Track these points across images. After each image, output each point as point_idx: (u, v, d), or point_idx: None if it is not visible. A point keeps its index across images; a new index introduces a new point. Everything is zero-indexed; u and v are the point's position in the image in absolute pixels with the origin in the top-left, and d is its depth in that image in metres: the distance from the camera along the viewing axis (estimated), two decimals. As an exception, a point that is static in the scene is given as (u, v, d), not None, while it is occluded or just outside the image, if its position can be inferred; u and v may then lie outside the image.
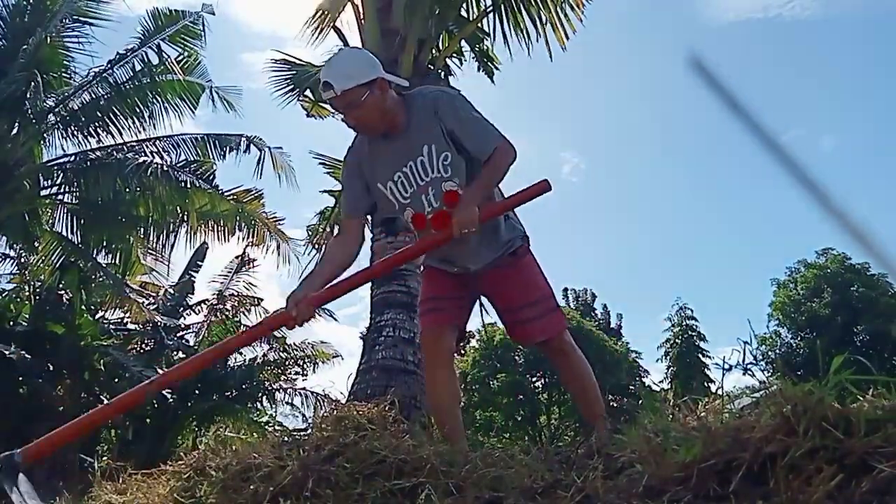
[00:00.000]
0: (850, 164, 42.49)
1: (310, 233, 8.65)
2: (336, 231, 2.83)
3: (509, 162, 2.52)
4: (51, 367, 11.24)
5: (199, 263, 14.72)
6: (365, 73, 2.42)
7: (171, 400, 11.94)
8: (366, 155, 2.57)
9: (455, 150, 2.48)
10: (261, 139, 11.02)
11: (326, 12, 7.82)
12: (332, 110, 2.53)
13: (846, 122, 45.01)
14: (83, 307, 11.36)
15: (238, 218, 11.53)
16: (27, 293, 11.97)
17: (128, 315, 12.67)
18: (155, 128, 11.18)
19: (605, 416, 2.63)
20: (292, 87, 8.12)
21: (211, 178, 11.17)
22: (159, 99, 11.01)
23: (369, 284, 6.06)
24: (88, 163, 10.68)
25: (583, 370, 2.65)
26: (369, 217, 2.75)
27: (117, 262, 11.50)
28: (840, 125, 45.35)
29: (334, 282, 2.52)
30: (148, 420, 12.57)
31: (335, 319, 14.83)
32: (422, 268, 2.80)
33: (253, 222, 11.66)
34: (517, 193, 2.59)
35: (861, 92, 45.49)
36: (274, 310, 2.57)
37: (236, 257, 15.10)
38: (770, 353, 25.88)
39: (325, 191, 8.39)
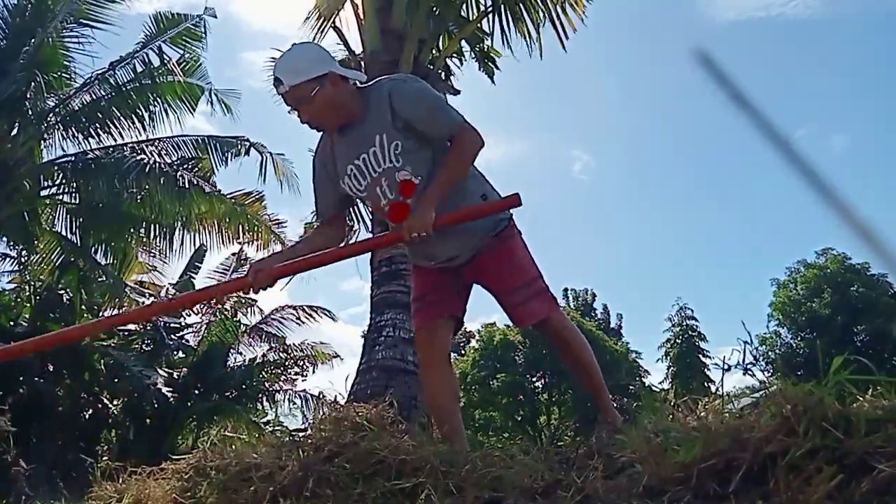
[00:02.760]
0: (861, 163, 42.50)
1: (307, 229, 8.63)
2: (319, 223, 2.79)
3: (473, 151, 2.44)
4: (51, 367, 11.24)
5: (198, 265, 14.73)
6: (314, 67, 2.37)
7: (171, 400, 11.95)
8: (329, 153, 2.54)
9: (408, 138, 2.41)
10: (263, 145, 11.04)
11: (323, 12, 7.84)
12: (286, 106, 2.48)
13: (857, 121, 44.99)
14: (83, 307, 11.36)
15: (239, 221, 11.54)
16: (27, 293, 11.98)
17: (128, 315, 12.66)
18: (155, 129, 11.21)
19: (607, 390, 2.64)
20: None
21: (209, 176, 11.17)
22: (159, 100, 11.03)
23: (369, 285, 6.07)
24: (88, 163, 10.68)
25: (579, 346, 2.60)
26: (351, 209, 2.75)
27: (115, 261, 11.51)
28: (851, 123, 45.33)
29: (294, 259, 2.51)
30: (148, 420, 12.57)
31: (332, 319, 14.84)
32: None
33: (255, 225, 11.67)
34: (484, 205, 2.48)
35: (871, 90, 45.50)
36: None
37: (233, 254, 15.11)
38: (770, 353, 25.90)
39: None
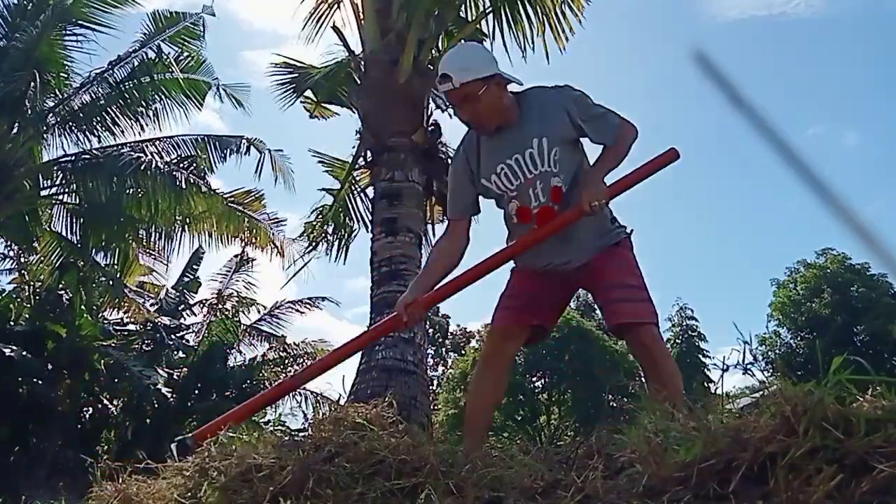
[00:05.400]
0: (873, 160, 42.49)
1: (307, 229, 8.62)
2: (441, 232, 2.78)
3: (631, 141, 2.57)
4: (51, 367, 11.23)
5: (196, 267, 14.72)
6: (485, 67, 2.44)
7: (171, 400, 11.94)
8: (474, 149, 2.57)
9: (565, 146, 2.50)
10: (261, 141, 11.05)
11: (321, 11, 7.87)
12: (447, 103, 2.54)
13: (869, 119, 44.96)
14: (83, 307, 11.35)
15: (239, 220, 11.54)
16: (27, 293, 11.97)
17: (127, 315, 12.69)
18: (160, 127, 11.24)
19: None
20: (294, 89, 8.14)
21: (203, 174, 11.17)
22: (163, 97, 11.05)
23: (367, 285, 6.07)
24: (88, 163, 10.68)
25: (668, 376, 2.40)
26: (474, 218, 2.69)
27: (116, 262, 11.52)
28: (862, 122, 45.32)
29: (441, 283, 2.54)
30: (148, 420, 12.55)
31: (336, 304, 14.83)
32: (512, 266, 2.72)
33: (254, 225, 11.67)
34: (645, 165, 2.58)
35: (881, 88, 45.48)
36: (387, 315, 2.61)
37: (235, 256, 15.12)
38: (770, 353, 25.87)
39: (323, 189, 8.37)
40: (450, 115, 7.24)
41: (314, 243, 8.48)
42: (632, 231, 2.65)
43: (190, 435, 2.41)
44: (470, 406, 2.65)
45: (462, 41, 6.81)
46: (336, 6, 7.80)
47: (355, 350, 2.63)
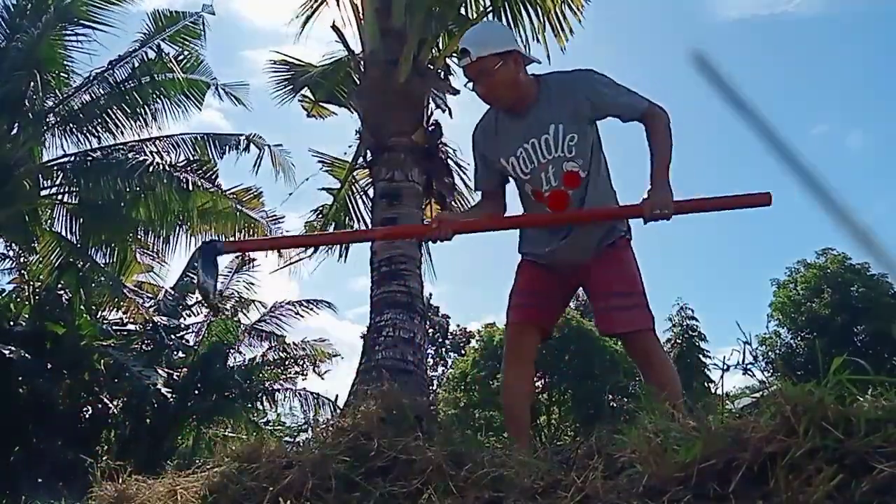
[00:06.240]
0: (878, 160, 42.43)
1: (307, 230, 8.61)
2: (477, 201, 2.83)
3: (666, 124, 2.49)
4: (50, 367, 11.22)
5: (196, 265, 14.70)
6: (501, 43, 2.47)
7: (170, 400, 11.95)
8: (492, 130, 2.60)
9: (584, 131, 2.49)
10: (260, 137, 11.06)
11: (310, 6, 7.90)
12: (465, 78, 2.53)
13: (873, 119, 44.87)
14: (82, 307, 11.35)
15: (238, 217, 11.54)
16: (27, 293, 11.97)
17: (127, 315, 12.69)
18: (160, 127, 11.26)
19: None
20: (292, 87, 8.14)
21: (213, 177, 11.20)
22: (162, 98, 11.05)
23: (369, 284, 6.06)
24: (88, 163, 10.69)
25: (666, 379, 2.43)
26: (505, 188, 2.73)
27: (115, 262, 11.52)
28: (867, 121, 45.24)
29: (474, 219, 2.66)
30: (147, 420, 12.55)
31: (333, 310, 14.82)
32: (519, 259, 2.74)
33: (253, 222, 11.67)
34: (732, 197, 2.48)
35: (885, 88, 45.39)
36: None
37: (236, 256, 15.11)
38: (770, 353, 25.86)
39: (323, 189, 8.36)
40: (450, 115, 7.26)
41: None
42: (628, 229, 2.64)
43: (223, 242, 2.55)
44: (505, 402, 2.68)
45: (486, 20, 6.87)
46: (324, 1, 7.83)
47: (382, 237, 2.74)
